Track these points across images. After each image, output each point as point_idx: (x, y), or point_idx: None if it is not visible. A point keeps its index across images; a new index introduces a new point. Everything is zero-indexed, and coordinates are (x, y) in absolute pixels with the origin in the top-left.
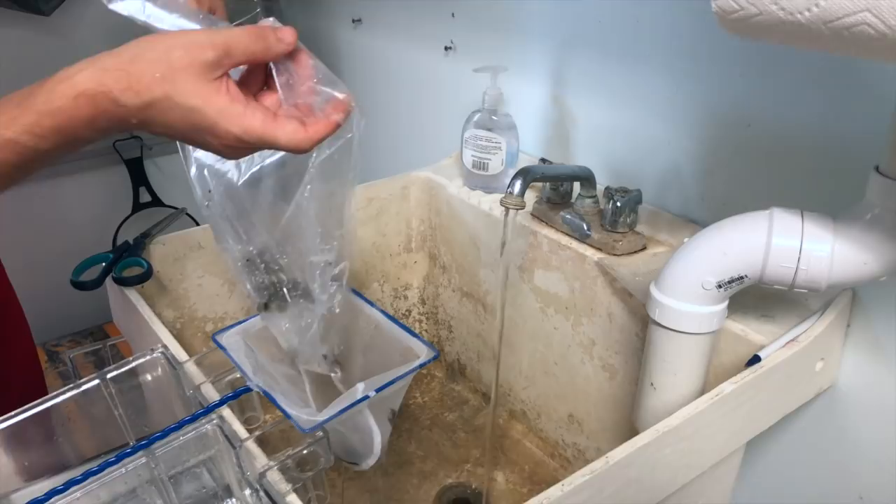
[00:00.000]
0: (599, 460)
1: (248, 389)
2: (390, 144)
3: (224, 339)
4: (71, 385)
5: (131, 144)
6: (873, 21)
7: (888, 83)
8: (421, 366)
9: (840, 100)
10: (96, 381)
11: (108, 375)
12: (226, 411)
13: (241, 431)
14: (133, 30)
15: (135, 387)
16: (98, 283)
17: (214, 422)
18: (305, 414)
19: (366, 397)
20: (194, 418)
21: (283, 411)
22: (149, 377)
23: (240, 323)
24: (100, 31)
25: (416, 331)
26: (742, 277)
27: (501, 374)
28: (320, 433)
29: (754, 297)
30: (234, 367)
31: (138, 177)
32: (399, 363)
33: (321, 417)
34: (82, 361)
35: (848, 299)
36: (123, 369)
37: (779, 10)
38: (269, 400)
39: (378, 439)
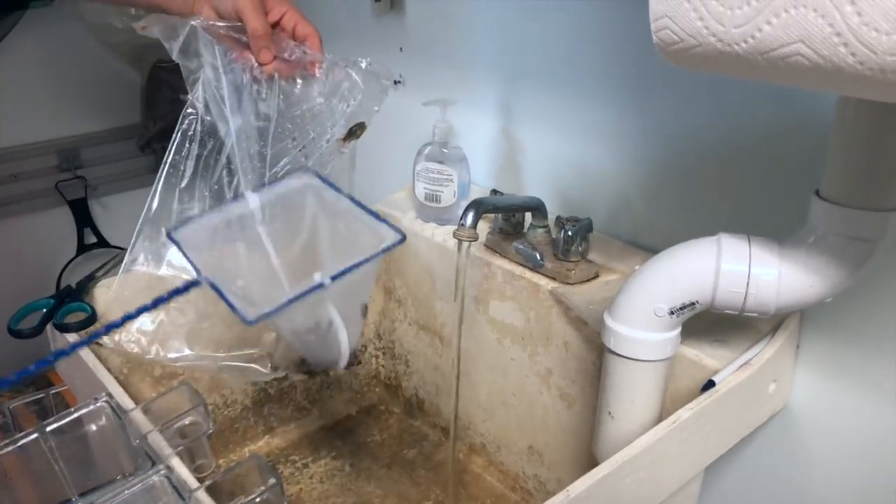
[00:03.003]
0: (560, 494)
1: (197, 283)
2: None
3: (183, 233)
4: (7, 441)
5: (75, 185)
6: (806, 52)
7: (826, 109)
8: (385, 250)
9: (781, 126)
10: (35, 435)
11: (48, 428)
12: (174, 460)
13: (191, 481)
14: None
15: (79, 437)
16: (38, 331)
17: (162, 472)
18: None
19: (320, 285)
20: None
21: (227, 301)
22: (93, 427)
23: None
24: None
25: (373, 367)
26: (693, 303)
27: (460, 408)
28: (273, 480)
29: (707, 322)
30: (184, 412)
31: (82, 218)
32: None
33: (267, 308)
34: (24, 411)
35: (797, 321)
36: (64, 421)
37: (717, 41)
38: (217, 295)
39: (344, 335)
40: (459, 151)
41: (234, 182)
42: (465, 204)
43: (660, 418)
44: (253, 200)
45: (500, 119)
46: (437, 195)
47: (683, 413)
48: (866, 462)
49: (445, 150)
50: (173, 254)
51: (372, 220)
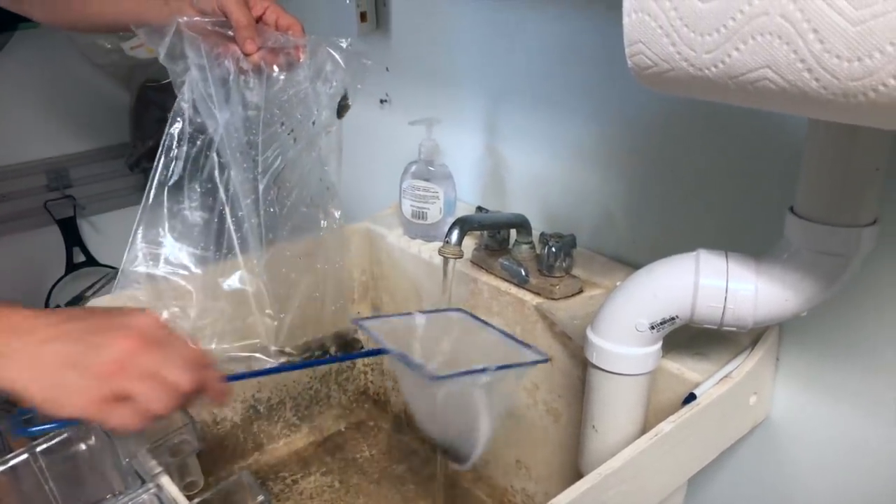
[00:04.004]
0: None
1: (383, 351)
2: None
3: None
4: None
5: (63, 204)
6: (773, 77)
7: (802, 127)
8: (534, 363)
9: (757, 144)
10: (25, 456)
11: (38, 449)
12: (164, 479)
13: (181, 499)
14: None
15: (69, 457)
16: None
17: (152, 490)
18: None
19: (484, 369)
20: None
21: (414, 365)
22: (83, 446)
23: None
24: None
25: (362, 383)
26: (673, 318)
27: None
28: (261, 497)
29: (688, 335)
30: (173, 431)
31: (71, 237)
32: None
33: (448, 373)
34: None
35: (776, 334)
36: (54, 441)
37: (689, 66)
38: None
39: (485, 433)
40: (445, 169)
41: (226, 175)
42: (451, 220)
43: (643, 431)
44: (419, 318)
45: (485, 137)
46: (423, 212)
47: (665, 426)
48: (846, 471)
49: (431, 168)
50: (169, 251)
51: (518, 346)
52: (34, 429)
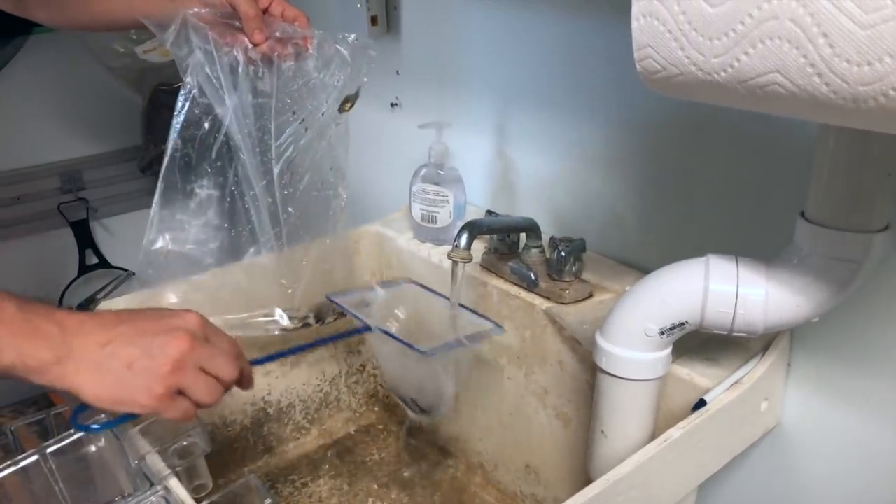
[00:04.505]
0: None
1: (368, 328)
2: None
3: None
4: (9, 462)
5: (77, 207)
6: (783, 81)
7: (813, 131)
8: (496, 327)
9: (767, 148)
10: (36, 457)
11: (49, 450)
12: (172, 481)
13: (189, 501)
14: None
15: (79, 458)
16: None
17: (160, 493)
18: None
19: (461, 343)
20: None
21: (403, 342)
22: (93, 448)
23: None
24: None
25: (372, 386)
26: (683, 323)
27: (458, 427)
28: (269, 501)
29: (698, 341)
30: (183, 433)
31: (84, 239)
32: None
33: (437, 345)
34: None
35: (787, 340)
36: (65, 442)
37: (697, 70)
38: (388, 336)
39: (450, 388)
40: (455, 172)
41: (235, 158)
42: (460, 224)
43: (653, 437)
44: (380, 293)
45: (494, 140)
46: (433, 216)
47: (674, 432)
48: (859, 478)
49: (441, 172)
50: (187, 228)
51: (470, 314)
52: (94, 426)
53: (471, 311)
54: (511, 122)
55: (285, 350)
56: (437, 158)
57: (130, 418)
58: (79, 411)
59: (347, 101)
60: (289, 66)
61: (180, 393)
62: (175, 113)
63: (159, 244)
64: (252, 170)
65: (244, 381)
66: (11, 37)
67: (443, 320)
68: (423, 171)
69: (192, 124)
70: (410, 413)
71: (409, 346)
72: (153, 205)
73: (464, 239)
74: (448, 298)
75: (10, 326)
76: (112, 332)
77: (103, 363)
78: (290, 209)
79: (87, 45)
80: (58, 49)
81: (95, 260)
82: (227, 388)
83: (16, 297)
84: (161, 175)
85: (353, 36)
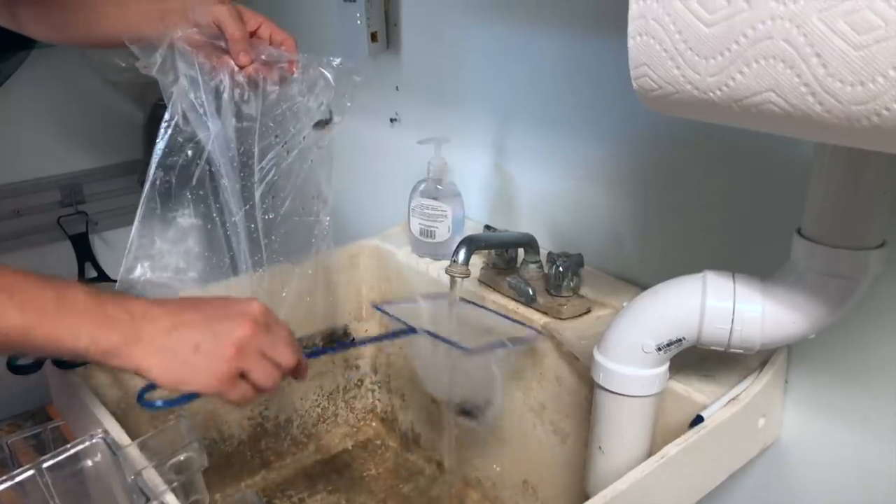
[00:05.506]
0: None
1: (413, 330)
2: (338, 214)
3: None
4: (5, 477)
5: (76, 220)
6: (777, 101)
7: (806, 149)
8: (535, 332)
9: (764, 165)
10: (32, 472)
11: (45, 465)
12: (169, 496)
13: None
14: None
15: (75, 473)
16: (37, 366)
17: None
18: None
19: (503, 344)
20: None
21: (447, 341)
22: (89, 463)
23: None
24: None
25: (369, 401)
26: (680, 339)
27: (456, 442)
28: None
29: (696, 357)
30: (179, 448)
31: (83, 252)
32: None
33: (483, 345)
34: (23, 446)
35: (784, 356)
36: (61, 457)
37: (693, 89)
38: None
39: (500, 392)
40: (454, 188)
41: (216, 184)
42: (459, 239)
43: (650, 453)
44: (423, 303)
45: (493, 156)
46: (431, 230)
47: (671, 449)
48: (857, 495)
49: (440, 187)
50: (165, 257)
51: (512, 323)
52: (159, 403)
53: (512, 319)
54: (509, 137)
55: (333, 345)
56: (435, 173)
57: (193, 398)
58: (145, 391)
59: (320, 124)
60: (273, 89)
61: (242, 377)
62: (157, 139)
63: (137, 273)
64: (233, 195)
65: (300, 370)
66: (14, 51)
67: (491, 329)
68: (421, 186)
69: (174, 151)
70: (458, 420)
71: (454, 344)
72: (132, 232)
73: (462, 254)
74: (497, 312)
75: (84, 314)
76: (178, 318)
77: (171, 346)
78: (272, 236)
79: (89, 60)
80: (59, 63)
81: (94, 273)
82: (284, 374)
83: (85, 286)
84: (141, 202)
85: (338, 60)
